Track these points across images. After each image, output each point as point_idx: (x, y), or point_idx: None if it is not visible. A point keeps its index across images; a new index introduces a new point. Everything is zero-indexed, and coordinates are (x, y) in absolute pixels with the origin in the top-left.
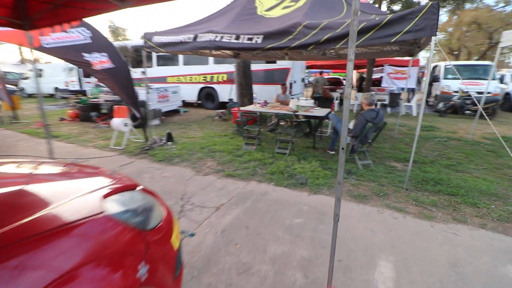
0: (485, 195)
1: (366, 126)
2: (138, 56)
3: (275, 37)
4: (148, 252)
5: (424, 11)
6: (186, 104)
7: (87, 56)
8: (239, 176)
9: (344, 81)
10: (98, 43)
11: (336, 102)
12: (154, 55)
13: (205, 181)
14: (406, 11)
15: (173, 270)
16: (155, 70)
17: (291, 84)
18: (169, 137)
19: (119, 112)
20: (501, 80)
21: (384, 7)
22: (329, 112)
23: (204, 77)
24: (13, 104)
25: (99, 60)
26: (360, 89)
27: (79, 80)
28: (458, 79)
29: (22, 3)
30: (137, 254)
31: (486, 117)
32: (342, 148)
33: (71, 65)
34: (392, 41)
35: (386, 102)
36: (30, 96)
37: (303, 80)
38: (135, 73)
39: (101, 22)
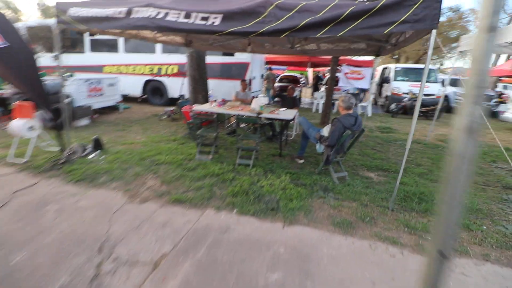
0: (471, 212)
1: (344, 134)
2: (66, 40)
3: (239, 18)
4: None
5: None
6: (128, 99)
7: None
8: (190, 201)
9: (301, 79)
10: None
11: None
12: (87, 38)
13: (142, 212)
14: None
15: None
16: (88, 57)
17: (250, 80)
18: (97, 144)
19: (21, 111)
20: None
21: None
22: (297, 115)
23: (151, 68)
24: None
25: None
26: (316, 88)
27: None
28: (407, 81)
29: None
30: None
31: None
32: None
33: None
34: (385, 32)
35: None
36: None
37: (262, 76)
38: (51, 58)
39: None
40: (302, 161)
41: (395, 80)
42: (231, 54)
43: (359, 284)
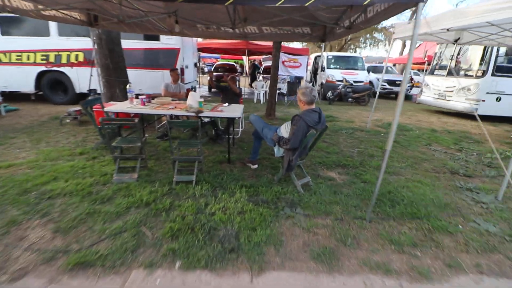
0: (441, 209)
1: (308, 134)
2: None
3: None
4: None
5: None
6: (16, 97)
7: None
8: (103, 261)
9: (239, 68)
10: None
11: None
12: None
13: None
14: None
15: None
16: None
17: (182, 69)
18: None
19: None
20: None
21: None
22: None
23: (45, 55)
24: None
25: None
26: (253, 77)
27: None
28: (339, 68)
29: None
30: None
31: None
32: None
33: None
34: (365, 3)
35: (284, 91)
36: None
37: (196, 65)
38: None
39: None
40: (255, 166)
41: (328, 68)
42: (156, 38)
43: None
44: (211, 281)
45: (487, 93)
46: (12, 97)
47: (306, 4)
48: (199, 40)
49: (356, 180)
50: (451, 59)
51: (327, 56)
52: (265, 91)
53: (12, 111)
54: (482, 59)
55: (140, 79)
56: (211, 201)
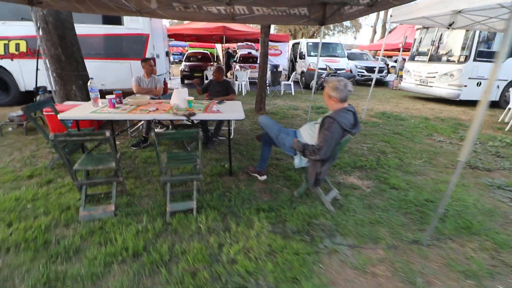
0: (489, 218)
1: (343, 140)
2: None
3: None
4: None
5: None
6: None
7: None
8: None
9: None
10: None
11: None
12: None
13: None
14: None
15: None
16: None
17: (153, 59)
18: None
19: None
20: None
21: None
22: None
23: None
24: None
25: None
26: (227, 67)
27: None
28: (320, 56)
29: None
30: None
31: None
32: None
33: None
34: None
35: (267, 80)
36: None
37: (167, 54)
38: None
39: None
40: (264, 177)
41: (309, 55)
42: (118, 22)
43: None
44: None
45: (469, 78)
46: None
47: None
48: (167, 25)
49: (383, 186)
50: (432, 45)
51: (307, 43)
52: (246, 81)
53: None
54: (464, 44)
55: (102, 73)
56: (225, 240)
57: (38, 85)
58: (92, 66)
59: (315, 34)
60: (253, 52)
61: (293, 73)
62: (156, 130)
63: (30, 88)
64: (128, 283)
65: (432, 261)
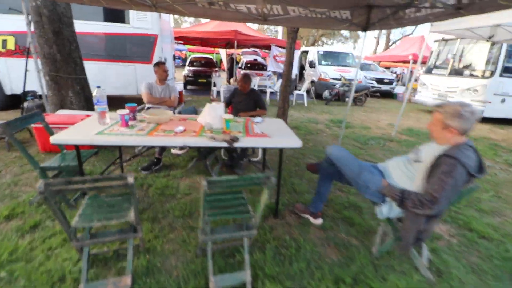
0: None
1: (470, 189)
2: None
3: None
4: None
5: None
6: None
7: None
8: None
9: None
10: None
11: (215, 90)
12: None
13: None
14: None
15: None
16: None
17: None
18: None
19: None
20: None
21: None
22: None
23: None
24: None
25: None
26: (230, 73)
27: None
28: (331, 65)
29: None
30: None
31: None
32: None
33: None
34: None
35: (276, 89)
36: None
37: (174, 58)
38: None
39: None
40: (320, 221)
41: (320, 64)
42: (121, 20)
43: None
44: None
45: (494, 94)
46: None
47: None
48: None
49: (469, 235)
50: (453, 58)
51: (318, 52)
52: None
53: None
54: (489, 58)
55: (102, 76)
56: None
57: (26, 89)
58: (90, 68)
59: (315, 43)
60: (259, 58)
61: (306, 83)
62: (173, 151)
63: (17, 92)
64: None
65: None
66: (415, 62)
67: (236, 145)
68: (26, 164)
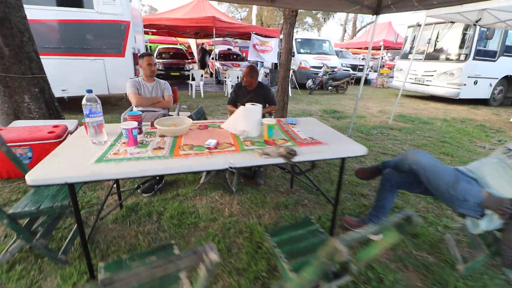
0: None
1: None
2: None
3: None
4: None
5: None
6: None
7: None
8: None
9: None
10: None
11: (193, 83)
12: None
13: None
14: None
15: None
16: None
17: (135, 55)
18: None
19: None
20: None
21: None
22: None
23: None
24: None
25: None
26: (203, 64)
27: None
28: (309, 53)
29: None
30: None
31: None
32: None
33: None
34: None
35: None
36: None
37: (147, 49)
38: None
39: None
40: (382, 237)
41: (299, 53)
42: (79, 5)
43: None
44: None
45: (468, 77)
46: None
47: None
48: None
49: None
50: (429, 43)
51: (296, 40)
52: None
53: None
54: (462, 42)
55: (63, 74)
56: None
57: None
58: (47, 65)
59: (281, 32)
60: (233, 48)
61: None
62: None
63: None
64: None
65: None
66: (386, 48)
67: (295, 159)
68: None
